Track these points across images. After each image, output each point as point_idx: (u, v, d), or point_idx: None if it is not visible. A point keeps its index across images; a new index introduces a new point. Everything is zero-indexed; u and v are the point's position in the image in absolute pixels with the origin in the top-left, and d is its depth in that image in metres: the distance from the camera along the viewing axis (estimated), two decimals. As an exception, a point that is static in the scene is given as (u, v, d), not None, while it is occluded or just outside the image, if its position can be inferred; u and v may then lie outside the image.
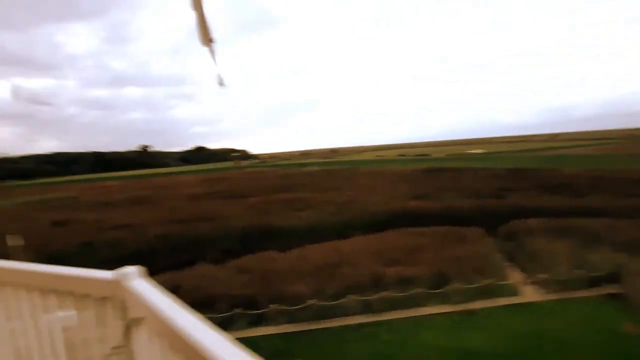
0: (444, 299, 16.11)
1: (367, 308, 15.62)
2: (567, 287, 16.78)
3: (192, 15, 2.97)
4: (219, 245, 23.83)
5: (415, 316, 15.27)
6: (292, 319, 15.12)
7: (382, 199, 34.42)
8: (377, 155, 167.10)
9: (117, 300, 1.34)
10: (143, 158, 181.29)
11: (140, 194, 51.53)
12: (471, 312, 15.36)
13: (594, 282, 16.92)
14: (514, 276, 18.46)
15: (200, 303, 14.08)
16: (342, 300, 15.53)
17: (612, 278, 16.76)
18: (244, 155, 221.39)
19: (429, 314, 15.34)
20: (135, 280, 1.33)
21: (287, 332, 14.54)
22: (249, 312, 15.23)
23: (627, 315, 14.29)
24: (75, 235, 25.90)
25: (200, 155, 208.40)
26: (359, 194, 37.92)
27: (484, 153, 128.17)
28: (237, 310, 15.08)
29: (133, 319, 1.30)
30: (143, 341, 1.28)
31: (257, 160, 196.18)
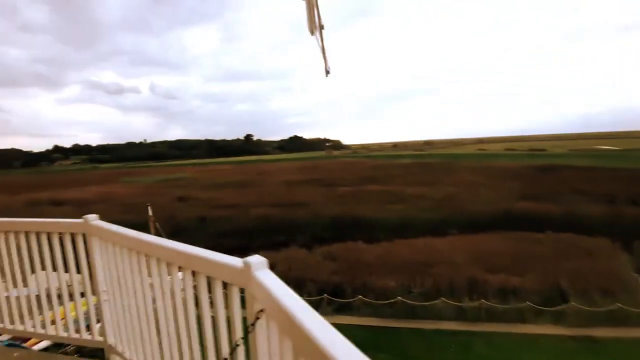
0: (558, 319, 13.82)
1: (461, 314, 14.39)
2: None
3: (302, 4, 2.88)
4: (310, 231, 24.83)
5: (519, 333, 13.47)
6: (377, 312, 14.88)
7: (484, 197, 31.23)
8: (478, 149, 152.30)
9: (246, 289, 1.37)
10: (247, 146, 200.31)
11: (244, 178, 57.03)
12: (593, 340, 12.84)
13: None
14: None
15: (290, 284, 14.89)
16: (433, 302, 14.62)
17: None
18: (336, 145, 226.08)
19: (537, 334, 13.35)
20: (262, 270, 1.33)
21: (371, 325, 14.37)
22: (336, 299, 15.50)
23: None
24: (193, 210, 30.08)
25: (295, 144, 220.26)
26: (457, 190, 35.09)
27: (619, 150, 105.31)
28: (325, 295, 15.50)
29: (260, 310, 1.31)
30: (264, 333, 1.30)
31: (349, 151, 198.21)
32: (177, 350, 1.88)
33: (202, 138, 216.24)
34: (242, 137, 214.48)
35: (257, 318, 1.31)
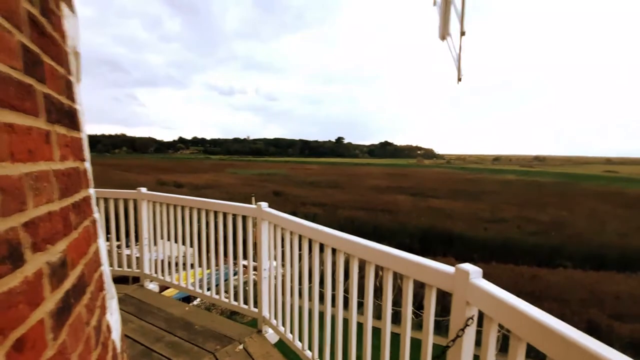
0: None
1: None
2: None
3: (437, 9, 2.83)
4: (398, 239, 24.17)
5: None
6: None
7: (611, 228, 26.19)
8: (606, 170, 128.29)
9: (459, 295, 1.38)
10: (338, 148, 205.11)
11: (334, 179, 58.51)
12: None
13: None
14: None
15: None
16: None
17: None
18: (428, 153, 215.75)
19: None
20: (478, 279, 1.34)
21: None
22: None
23: None
24: (286, 205, 32.07)
25: (385, 149, 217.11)
26: (576, 217, 30.16)
27: None
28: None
29: (471, 316, 1.34)
30: (483, 337, 1.30)
31: (442, 161, 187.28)
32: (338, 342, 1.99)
33: (297, 138, 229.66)
34: (333, 139, 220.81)
35: (468, 325, 1.34)
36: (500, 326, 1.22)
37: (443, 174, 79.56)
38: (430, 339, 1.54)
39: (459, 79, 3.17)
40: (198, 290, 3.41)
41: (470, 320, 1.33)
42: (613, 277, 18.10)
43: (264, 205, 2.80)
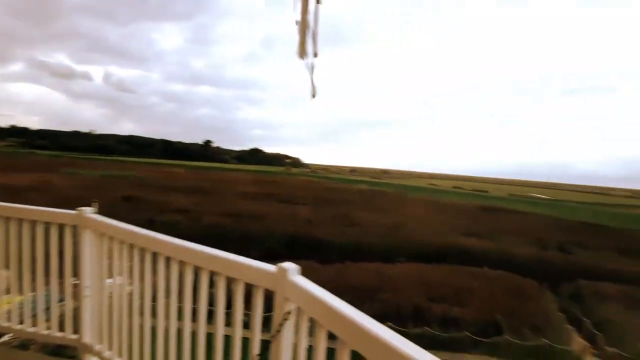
0: (492, 350, 14.75)
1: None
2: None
3: (296, 26, 3.10)
4: (264, 245, 24.40)
5: (457, 362, 14.16)
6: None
7: (432, 229, 32.93)
8: (430, 184, 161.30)
9: (279, 292, 1.44)
10: (205, 151, 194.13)
11: (199, 184, 54.95)
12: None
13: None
14: (577, 342, 16.38)
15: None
16: (379, 327, 14.92)
17: None
18: (296, 162, 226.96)
19: (474, 364, 14.14)
20: (296, 276, 1.43)
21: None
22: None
23: None
24: (140, 212, 28.21)
25: (255, 156, 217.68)
26: (409, 221, 36.68)
27: (550, 199, 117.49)
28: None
29: (288, 312, 1.41)
30: (294, 328, 1.41)
31: (308, 170, 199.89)
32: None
33: (157, 137, 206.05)
34: (201, 141, 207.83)
35: (285, 319, 1.40)
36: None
37: (308, 182, 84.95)
38: (257, 337, 1.58)
39: (313, 96, 3.45)
40: (4, 323, 2.59)
41: (288, 315, 1.40)
42: (432, 268, 22.73)
43: (87, 210, 2.36)
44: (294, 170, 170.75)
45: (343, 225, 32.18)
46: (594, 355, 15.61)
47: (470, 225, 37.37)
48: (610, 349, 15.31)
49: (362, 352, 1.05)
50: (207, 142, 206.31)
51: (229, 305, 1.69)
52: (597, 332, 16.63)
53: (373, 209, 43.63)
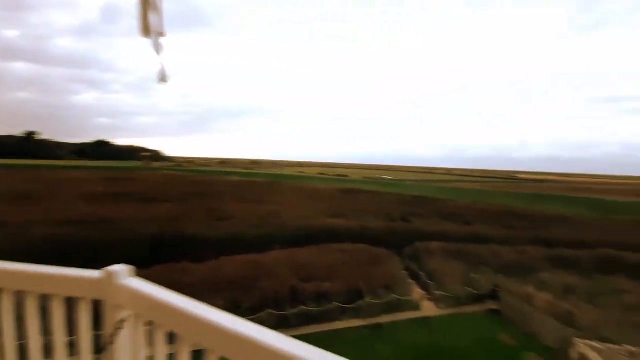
0: (357, 313, 16.98)
1: (284, 322, 15.56)
2: (458, 302, 19.22)
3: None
4: (121, 253, 21.28)
5: (330, 330, 15.74)
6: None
7: (303, 214, 35.01)
8: (299, 172, 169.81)
9: (109, 300, 1.28)
10: (28, 146, 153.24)
11: (24, 187, 43.36)
12: (379, 326, 16.46)
13: (478, 299, 19.72)
14: (416, 292, 20.42)
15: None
16: (259, 315, 15.21)
17: (492, 296, 19.75)
18: (155, 156, 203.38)
19: (343, 328, 15.99)
20: (127, 278, 1.30)
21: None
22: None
23: (502, 327, 16.95)
24: None
25: (102, 150, 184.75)
26: (281, 208, 37.97)
27: (394, 180, 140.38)
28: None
29: (121, 320, 1.27)
30: (130, 337, 1.27)
31: (171, 163, 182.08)
32: None
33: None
34: (21, 133, 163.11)
35: (118, 329, 1.25)
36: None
37: (173, 177, 77.66)
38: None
39: (162, 80, 3.20)
40: None
41: (122, 324, 1.26)
42: (304, 250, 24.33)
43: None
44: (155, 164, 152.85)
45: (215, 219, 30.93)
46: (428, 299, 19.80)
47: (334, 207, 41.36)
48: (438, 293, 19.71)
49: (204, 343, 1.03)
50: (30, 134, 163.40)
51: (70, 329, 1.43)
52: (429, 282, 21.12)
53: (246, 200, 43.32)
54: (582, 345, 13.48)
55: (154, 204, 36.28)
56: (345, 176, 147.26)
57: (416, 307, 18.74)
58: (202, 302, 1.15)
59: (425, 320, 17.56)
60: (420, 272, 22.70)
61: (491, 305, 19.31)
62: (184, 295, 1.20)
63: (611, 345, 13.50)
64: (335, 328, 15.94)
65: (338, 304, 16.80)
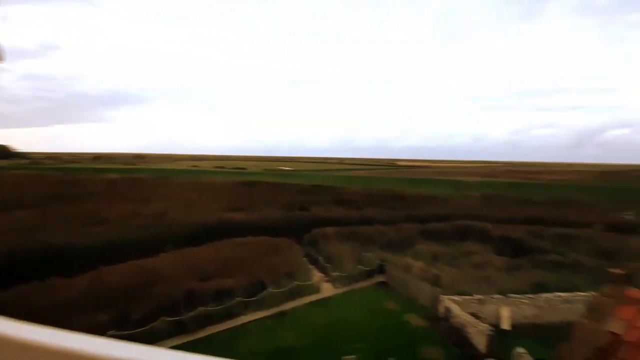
0: (260, 305, 17.14)
1: (181, 328, 14.68)
2: (352, 280, 21.14)
3: None
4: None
5: (234, 327, 15.53)
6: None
7: (199, 210, 33.13)
8: (192, 165, 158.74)
9: None
10: None
11: None
12: (283, 314, 16.98)
13: (369, 275, 22.04)
14: (316, 276, 21.66)
15: None
16: (151, 325, 14.00)
17: (380, 270, 22.31)
18: (4, 152, 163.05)
19: (247, 322, 15.96)
20: None
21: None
22: None
23: (388, 296, 19.37)
24: None
25: None
26: (173, 206, 35.13)
27: (292, 170, 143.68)
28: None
29: None
30: None
31: (26, 161, 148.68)
32: None
33: None
34: None
35: None
36: None
37: (30, 177, 63.76)
38: None
39: None
40: None
41: None
42: (202, 249, 23.19)
43: None
44: (3, 162, 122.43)
45: (90, 224, 26.81)
46: (327, 281, 21.23)
47: (233, 201, 40.27)
48: (335, 274, 21.29)
49: None
50: None
51: None
52: (326, 265, 22.63)
53: (129, 199, 38.62)
54: (446, 300, 16.49)
55: (3, 212, 29.35)
56: (244, 169, 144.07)
57: (316, 290, 19.89)
58: (70, 323, 0.98)
59: (325, 300, 18.83)
60: (319, 257, 24.10)
61: (379, 278, 21.83)
62: (45, 319, 1.07)
63: (466, 297, 16.87)
64: (239, 323, 15.81)
65: (241, 298, 16.66)
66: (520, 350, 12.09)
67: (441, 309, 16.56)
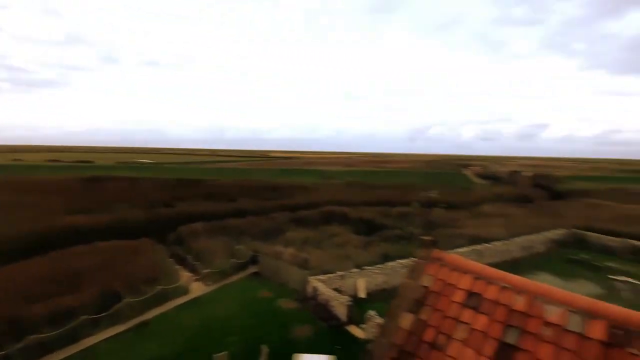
0: (115, 319, 15.00)
1: (1, 366, 11.59)
2: (224, 275, 20.67)
3: None
4: None
5: (78, 351, 13.14)
6: None
7: (25, 217, 26.38)
8: (14, 159, 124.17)
9: None
10: None
11: None
12: (146, 323, 15.31)
13: (242, 267, 21.93)
14: (184, 277, 20.28)
15: None
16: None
17: (253, 261, 22.47)
18: None
19: (97, 342, 13.73)
20: None
21: None
22: None
23: (262, 285, 19.74)
24: None
25: None
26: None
27: (153, 163, 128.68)
28: None
29: None
30: None
31: None
32: None
33: None
34: None
35: None
36: None
37: None
38: None
39: None
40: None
41: None
42: (31, 263, 18.65)
43: None
44: None
45: None
46: (197, 280, 20.13)
47: (75, 201, 33.60)
48: (205, 271, 20.37)
49: None
50: None
51: None
52: (196, 263, 21.42)
53: None
54: (313, 280, 17.95)
55: None
56: (90, 162, 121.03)
57: (185, 291, 18.65)
58: None
59: (196, 300, 17.86)
60: (187, 256, 22.59)
61: (253, 269, 22.00)
62: None
63: (330, 275, 18.72)
64: (86, 346, 13.46)
65: (88, 316, 14.20)
66: (371, 312, 14.24)
67: (309, 290, 17.92)
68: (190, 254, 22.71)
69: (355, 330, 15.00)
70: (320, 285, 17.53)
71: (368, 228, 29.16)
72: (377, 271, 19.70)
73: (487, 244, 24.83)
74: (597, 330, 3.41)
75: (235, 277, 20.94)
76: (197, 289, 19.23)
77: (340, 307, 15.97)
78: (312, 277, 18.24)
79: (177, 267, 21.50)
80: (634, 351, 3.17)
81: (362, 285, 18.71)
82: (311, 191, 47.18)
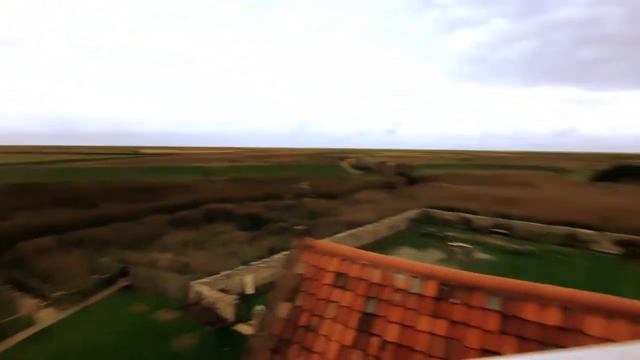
0: None
1: None
2: (85, 295, 17.58)
3: None
4: None
5: None
6: None
7: None
8: None
9: None
10: None
11: None
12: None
13: (109, 282, 19.02)
14: (28, 304, 16.44)
15: None
16: None
17: (122, 273, 19.72)
18: None
19: None
20: None
21: None
22: None
23: (135, 299, 17.53)
24: None
25: None
26: None
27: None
28: None
29: None
30: None
31: None
32: None
33: None
34: None
35: None
36: None
37: None
38: None
39: None
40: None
41: None
42: None
43: None
44: None
45: None
46: (46, 306, 16.56)
47: None
48: (57, 294, 16.91)
49: None
50: None
51: None
52: (44, 285, 17.58)
53: None
54: (196, 285, 16.91)
55: None
56: None
57: (29, 322, 15.15)
58: None
59: (46, 331, 14.70)
60: (30, 279, 18.33)
61: (123, 282, 19.32)
62: None
63: (215, 276, 17.94)
64: None
65: None
66: (260, 307, 14.30)
67: (192, 295, 16.83)
68: (35, 276, 18.49)
69: (244, 328, 14.83)
70: (204, 288, 16.63)
71: (254, 223, 28.99)
72: (263, 265, 19.83)
73: (361, 227, 27.75)
74: (431, 289, 4.20)
75: (100, 296, 18.05)
76: (47, 316, 15.85)
77: (227, 307, 15.50)
78: (194, 282, 17.15)
79: (15, 294, 17.25)
80: (455, 301, 4.04)
81: (249, 281, 18.56)
82: (192, 189, 44.05)
